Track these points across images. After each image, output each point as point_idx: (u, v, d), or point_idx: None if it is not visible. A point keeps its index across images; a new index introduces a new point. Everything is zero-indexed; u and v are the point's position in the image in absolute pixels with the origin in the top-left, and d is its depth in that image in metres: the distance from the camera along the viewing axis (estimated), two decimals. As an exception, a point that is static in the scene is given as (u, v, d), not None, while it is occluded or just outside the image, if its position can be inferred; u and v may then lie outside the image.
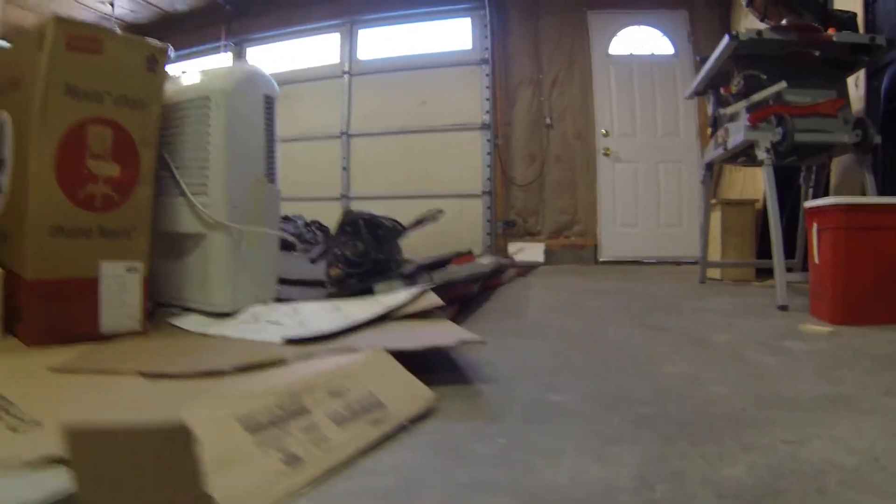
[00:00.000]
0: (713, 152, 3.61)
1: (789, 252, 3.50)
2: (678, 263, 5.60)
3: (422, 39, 6.47)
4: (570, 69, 6.05)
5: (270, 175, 2.21)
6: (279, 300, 2.11)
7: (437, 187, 6.06)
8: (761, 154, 2.90)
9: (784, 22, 3.08)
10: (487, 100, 6.06)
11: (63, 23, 1.63)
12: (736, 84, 3.16)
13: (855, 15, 3.22)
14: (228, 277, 1.99)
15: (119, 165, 1.75)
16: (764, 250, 3.81)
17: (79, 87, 1.66)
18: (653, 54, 6.08)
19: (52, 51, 1.60)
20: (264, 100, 2.19)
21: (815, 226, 2.37)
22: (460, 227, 5.94)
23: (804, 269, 3.44)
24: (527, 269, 4.92)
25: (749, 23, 5.03)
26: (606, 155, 5.92)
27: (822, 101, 2.99)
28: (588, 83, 6.01)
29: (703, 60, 3.53)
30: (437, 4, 6.36)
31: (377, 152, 6.34)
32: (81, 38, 1.66)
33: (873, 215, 2.22)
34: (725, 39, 3.03)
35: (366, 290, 2.16)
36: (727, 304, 2.88)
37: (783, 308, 2.58)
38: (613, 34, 6.13)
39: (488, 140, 6.01)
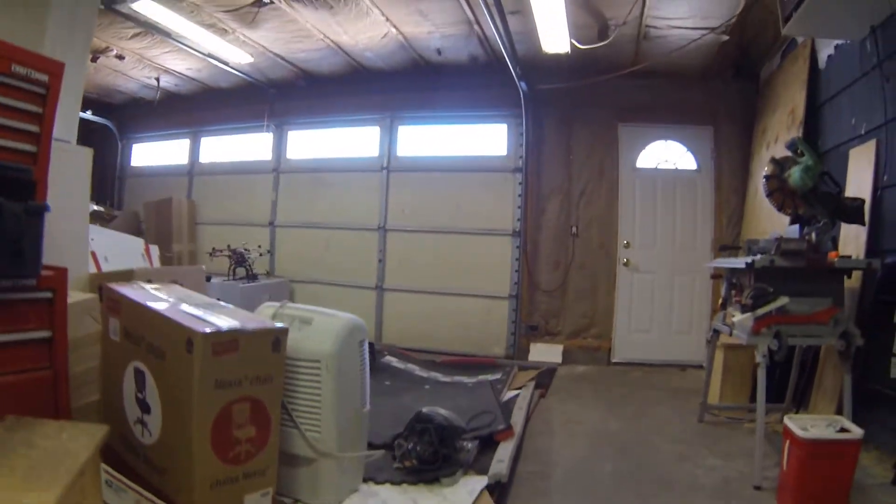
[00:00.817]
0: (720, 325, 3.96)
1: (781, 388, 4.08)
2: (683, 368, 6.09)
3: (459, 141, 6.78)
4: (598, 181, 6.39)
5: (363, 400, 2.79)
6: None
7: (467, 286, 6.52)
8: (759, 357, 3.32)
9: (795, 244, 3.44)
10: (519, 207, 6.43)
11: (209, 336, 2.08)
12: (747, 296, 3.54)
13: (863, 202, 3.60)
14: (333, 483, 2.66)
15: (256, 427, 2.25)
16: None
17: (224, 379, 2.14)
18: (676, 168, 6.41)
19: (202, 359, 2.06)
20: (359, 345, 2.77)
21: (787, 441, 2.86)
22: (486, 326, 6.45)
23: (796, 409, 4.05)
24: (546, 379, 5.41)
25: (768, 143, 5.41)
26: (626, 265, 6.32)
27: (819, 309, 3.37)
28: (614, 195, 6.36)
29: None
30: (476, 109, 6.67)
31: (412, 247, 6.77)
32: (223, 343, 2.13)
33: (834, 447, 2.75)
34: (743, 263, 3.44)
35: (434, 479, 2.88)
36: (711, 472, 3.37)
37: (757, 488, 3.09)
38: (641, 148, 6.44)
39: (517, 246, 6.42)
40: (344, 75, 6.92)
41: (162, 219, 7.47)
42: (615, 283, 6.35)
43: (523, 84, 6.12)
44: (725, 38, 5.34)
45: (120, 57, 6.50)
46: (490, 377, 5.37)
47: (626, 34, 5.40)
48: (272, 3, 5.07)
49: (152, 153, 8.74)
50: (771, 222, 5.08)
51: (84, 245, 3.10)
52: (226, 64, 6.46)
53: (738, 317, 3.65)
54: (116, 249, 3.29)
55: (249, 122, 7.51)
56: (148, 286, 2.71)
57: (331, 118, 7.27)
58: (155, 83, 7.29)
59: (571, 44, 5.29)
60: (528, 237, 6.44)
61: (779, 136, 5.24)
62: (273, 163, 7.56)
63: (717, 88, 6.23)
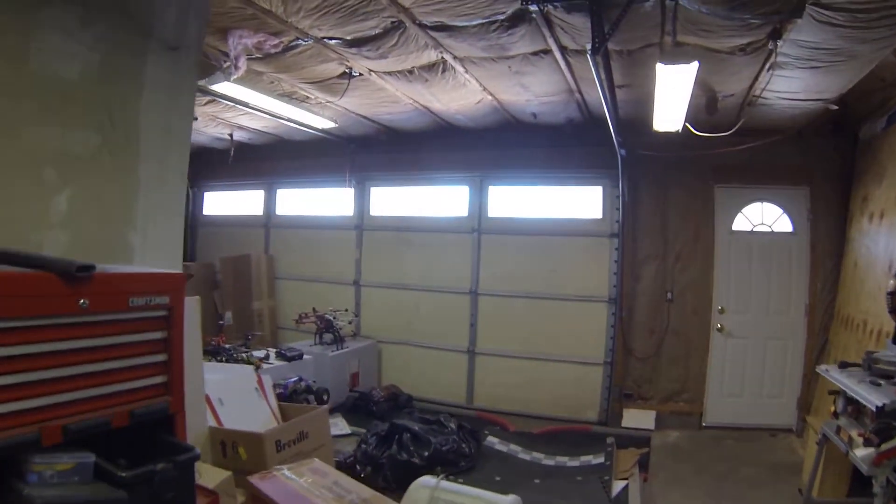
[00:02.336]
0: (832, 434, 3.79)
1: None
2: (774, 433, 6.02)
3: (552, 202, 6.61)
4: (694, 244, 6.26)
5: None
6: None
7: (561, 352, 6.44)
8: (877, 488, 3.23)
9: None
10: (615, 274, 6.31)
11: None
12: (869, 430, 3.42)
13: None
14: None
15: None
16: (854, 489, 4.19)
17: None
18: (772, 231, 6.26)
19: None
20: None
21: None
22: (580, 391, 6.40)
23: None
24: (646, 458, 5.34)
25: (871, 213, 5.27)
26: (720, 331, 6.21)
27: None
28: (709, 259, 6.24)
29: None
30: (569, 170, 6.51)
31: (504, 312, 6.67)
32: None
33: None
34: (871, 402, 3.25)
35: None
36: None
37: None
38: (737, 210, 6.30)
39: (613, 313, 6.30)
40: (430, 132, 6.73)
41: (241, 276, 7.34)
42: (708, 347, 6.26)
43: (623, 151, 5.92)
44: (835, 107, 5.14)
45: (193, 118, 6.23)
46: (593, 459, 5.29)
47: (732, 103, 5.22)
48: (361, 75, 4.85)
49: (225, 202, 8.59)
50: (872, 300, 4.92)
51: (200, 398, 2.96)
52: (307, 127, 6.26)
53: (860, 451, 3.54)
54: (229, 387, 3.16)
55: (328, 175, 7.35)
56: (293, 477, 2.57)
57: (416, 175, 7.11)
58: (228, 138, 7.07)
59: (685, 126, 5.08)
60: (624, 303, 6.32)
61: (885, 212, 5.08)
62: (355, 219, 7.41)
63: (814, 147, 6.03)
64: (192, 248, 8.39)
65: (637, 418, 6.22)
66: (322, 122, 6.04)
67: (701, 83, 4.34)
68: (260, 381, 3.32)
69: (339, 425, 5.66)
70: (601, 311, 6.36)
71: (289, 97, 5.36)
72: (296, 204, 7.96)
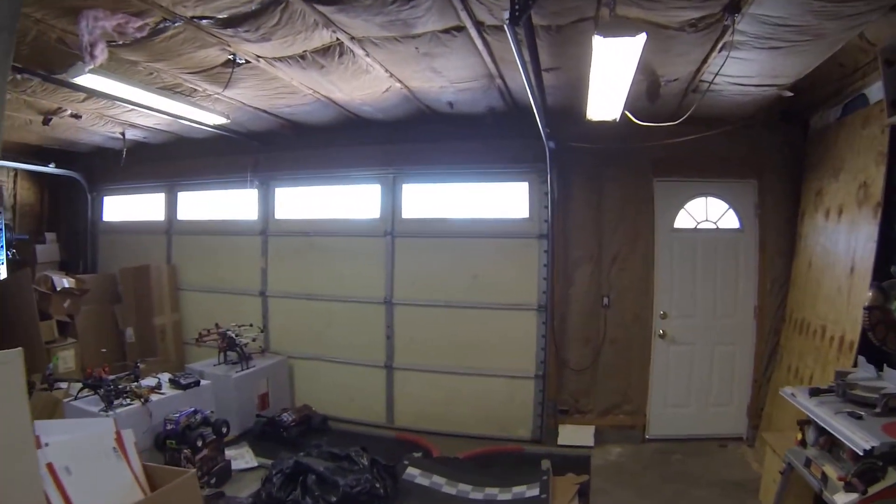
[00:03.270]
0: (800, 466, 3.26)
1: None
2: (724, 444, 5.49)
3: (473, 201, 5.94)
4: (633, 244, 5.66)
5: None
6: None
7: (488, 366, 5.81)
8: None
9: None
10: (545, 279, 5.67)
11: None
12: (851, 473, 2.89)
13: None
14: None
15: None
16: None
17: None
18: (717, 228, 5.68)
19: None
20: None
21: None
22: (510, 407, 5.81)
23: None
24: (586, 486, 4.75)
25: (827, 209, 4.74)
26: (663, 337, 5.63)
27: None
28: (650, 260, 5.65)
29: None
30: (492, 164, 5.84)
31: (424, 323, 6.02)
32: None
33: None
34: (858, 446, 2.70)
35: None
36: None
37: None
38: (679, 206, 5.71)
39: (543, 322, 5.67)
40: (337, 126, 6.03)
41: (141, 288, 6.62)
42: (650, 356, 5.67)
43: (551, 144, 5.28)
44: (790, 94, 4.53)
45: (76, 116, 5.66)
46: (527, 490, 4.67)
47: (675, 88, 4.60)
48: (248, 62, 4.17)
49: (126, 207, 7.85)
50: (830, 305, 4.43)
51: (34, 473, 2.34)
52: (198, 123, 5.53)
53: (841, 498, 2.98)
54: (79, 450, 2.55)
55: (231, 175, 6.65)
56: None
57: (324, 173, 6.39)
58: (120, 136, 6.31)
59: (623, 114, 4.44)
60: (555, 311, 5.70)
61: (843, 208, 4.50)
62: (260, 223, 6.71)
63: (762, 137, 5.45)
64: (94, 258, 7.65)
65: (574, 434, 5.63)
66: (213, 118, 5.32)
67: (643, 66, 3.67)
68: (119, 439, 2.68)
69: (246, 457, 5.04)
70: (530, 319, 5.72)
71: (172, 90, 4.67)
72: (198, 208, 7.26)
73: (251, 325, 6.12)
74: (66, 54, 3.73)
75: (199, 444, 4.38)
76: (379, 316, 6.11)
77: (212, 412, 4.74)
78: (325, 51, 3.93)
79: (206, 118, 5.30)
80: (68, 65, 3.82)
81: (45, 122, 5.52)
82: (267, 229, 6.65)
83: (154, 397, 4.64)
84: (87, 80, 4.00)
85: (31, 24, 3.41)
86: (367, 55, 3.99)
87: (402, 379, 6.07)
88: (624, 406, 5.74)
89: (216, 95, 4.90)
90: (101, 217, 7.85)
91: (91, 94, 4.58)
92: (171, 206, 7.31)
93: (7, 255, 6.63)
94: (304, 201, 6.59)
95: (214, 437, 4.56)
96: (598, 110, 4.41)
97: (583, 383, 5.77)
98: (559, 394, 5.78)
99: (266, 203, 6.67)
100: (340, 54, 3.98)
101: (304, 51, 3.91)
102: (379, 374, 6.09)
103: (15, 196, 7.78)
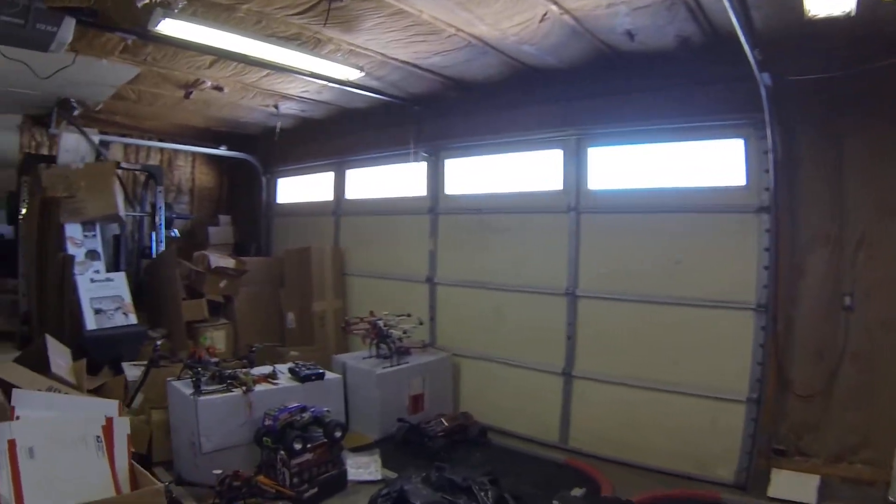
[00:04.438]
0: None
1: None
2: None
3: (672, 166, 5.49)
4: (888, 222, 4.68)
5: None
6: None
7: (687, 381, 5.26)
8: None
9: None
10: (766, 268, 4.97)
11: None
12: None
13: None
14: None
15: None
16: None
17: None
18: None
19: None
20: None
21: None
22: (710, 438, 5.18)
23: None
24: None
25: None
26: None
27: None
28: (915, 243, 4.66)
29: None
30: (692, 117, 5.29)
31: (610, 320, 5.69)
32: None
33: None
34: None
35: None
36: None
37: None
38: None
39: (763, 326, 4.98)
40: (506, 81, 6.00)
41: (302, 272, 7.24)
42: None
43: (765, 76, 4.63)
44: None
45: (218, 88, 6.34)
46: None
47: None
48: None
49: (299, 188, 8.65)
50: None
51: None
52: (336, 82, 5.89)
53: None
54: (52, 433, 2.52)
55: (396, 148, 6.96)
56: None
57: (496, 140, 6.38)
58: (275, 110, 7.01)
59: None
60: (779, 312, 4.98)
61: None
62: (429, 200, 6.93)
63: None
64: (268, 241, 8.57)
65: (791, 485, 4.84)
66: (347, 71, 5.54)
67: None
68: (108, 428, 2.72)
69: (371, 468, 5.13)
70: (745, 322, 5.05)
71: (291, 41, 4.98)
72: (365, 186, 7.69)
73: (408, 316, 6.32)
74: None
75: (298, 446, 4.48)
76: (558, 310, 5.91)
77: (328, 411, 4.86)
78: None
79: (340, 71, 5.52)
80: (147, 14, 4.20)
81: (187, 95, 6.35)
82: (436, 207, 6.84)
83: (262, 387, 4.93)
84: (169, 26, 4.35)
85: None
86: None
87: (581, 390, 5.82)
88: (863, 451, 4.78)
89: (348, 46, 5.15)
90: (275, 199, 8.81)
91: (212, 53, 5.07)
92: (339, 185, 7.87)
93: (172, 233, 7.74)
94: (475, 173, 6.65)
95: (326, 439, 4.66)
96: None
97: (810, 414, 4.95)
98: (776, 426, 5.04)
99: (435, 177, 6.85)
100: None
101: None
102: (555, 381, 5.90)
103: (193, 180, 9.12)
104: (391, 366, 5.99)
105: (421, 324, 6.50)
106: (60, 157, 6.46)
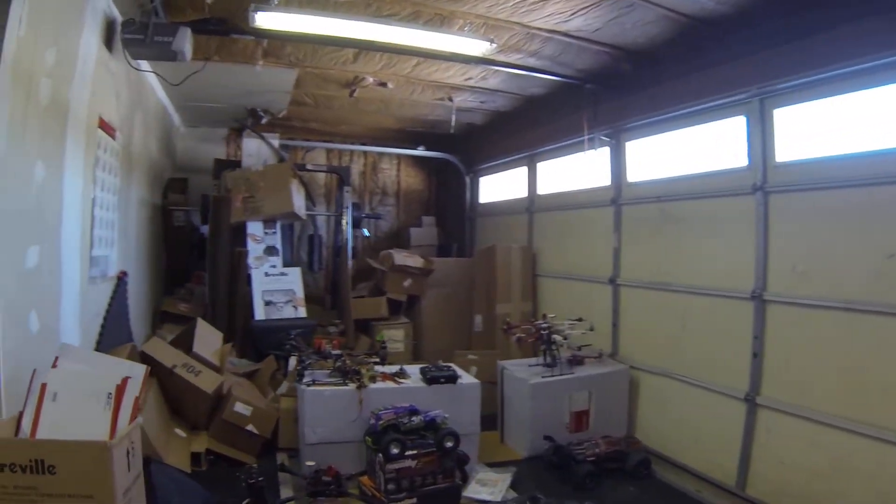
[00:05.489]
0: None
1: None
2: None
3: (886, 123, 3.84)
4: None
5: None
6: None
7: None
8: None
9: None
10: None
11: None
12: None
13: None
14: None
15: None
16: None
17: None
18: None
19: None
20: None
21: None
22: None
23: None
24: None
25: None
26: None
27: None
28: None
29: None
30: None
31: (809, 334, 4.14)
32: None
33: None
34: None
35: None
36: None
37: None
38: None
39: None
40: (670, 41, 4.86)
41: (487, 272, 6.78)
42: None
43: None
44: None
45: (382, 84, 6.15)
46: None
47: None
48: None
49: (499, 185, 8.18)
50: None
51: None
52: (480, 62, 5.31)
53: None
54: (75, 383, 2.66)
55: (575, 135, 6.04)
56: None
57: (671, 112, 5.17)
58: (449, 103, 6.66)
59: None
60: None
61: None
62: (612, 190, 5.90)
63: None
64: (471, 241, 8.24)
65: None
66: (477, 45, 4.89)
67: None
68: (121, 388, 2.80)
69: (495, 487, 4.38)
70: None
71: (417, 21, 4.63)
72: (555, 179, 6.88)
73: (579, 320, 5.42)
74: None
75: (395, 450, 4.01)
76: (742, 318, 4.51)
77: (445, 418, 4.29)
78: None
79: (470, 45, 4.91)
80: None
81: (351, 93, 6.27)
82: (619, 197, 5.81)
83: (382, 385, 4.59)
84: (266, 19, 4.27)
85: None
86: None
87: (767, 423, 4.31)
88: None
89: (477, 18, 4.63)
90: (478, 199, 8.40)
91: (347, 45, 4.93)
92: (532, 179, 7.23)
93: (363, 233, 7.81)
94: (655, 155, 5.53)
95: (436, 449, 4.12)
96: None
97: None
98: None
99: (617, 162, 5.85)
100: None
101: None
102: (735, 408, 4.50)
103: (398, 182, 9.15)
104: (551, 376, 5.18)
105: (591, 329, 5.45)
106: (244, 160, 6.99)
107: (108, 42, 4.23)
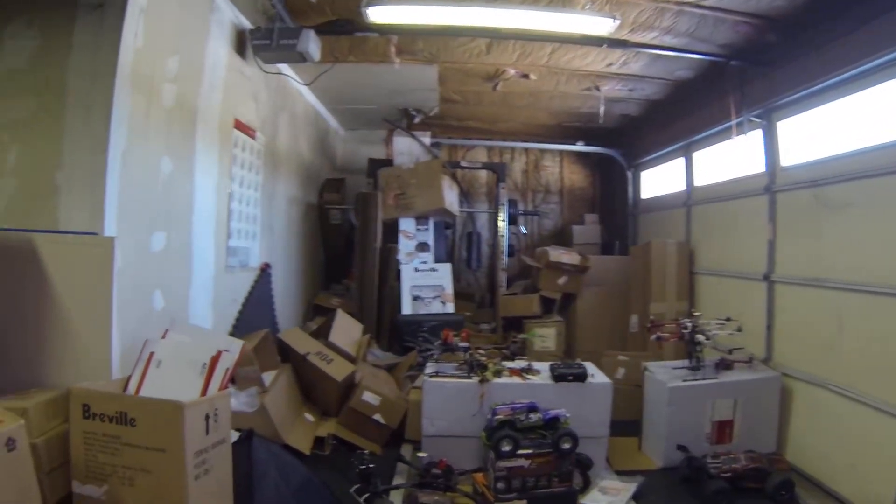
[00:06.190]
0: None
1: None
2: None
3: None
4: None
5: None
6: None
7: None
8: None
9: None
10: None
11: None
12: None
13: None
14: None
15: None
16: None
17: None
18: None
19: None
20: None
21: None
22: None
23: None
24: None
25: None
26: None
27: None
28: None
29: None
30: None
31: None
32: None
33: None
34: None
35: None
36: None
37: None
38: None
39: None
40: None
41: (643, 270, 6.33)
42: None
43: None
44: None
45: (524, 76, 5.99)
46: None
47: None
48: None
49: (660, 179, 7.58)
50: None
51: (104, 354, 2.96)
52: (609, 43, 4.91)
53: None
54: (177, 353, 3.01)
55: (725, 119, 5.45)
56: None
57: (838, 76, 4.27)
58: (597, 92, 6.32)
59: None
60: None
61: None
62: (766, 177, 5.16)
63: None
64: (634, 238, 7.73)
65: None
66: (601, 24, 4.55)
67: None
68: (215, 359, 3.04)
69: (617, 497, 4.02)
70: None
71: (540, 3, 4.45)
72: (709, 169, 6.23)
73: (727, 320, 4.85)
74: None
75: (506, 448, 3.84)
76: None
77: (567, 417, 4.02)
78: None
79: (591, 25, 4.61)
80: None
81: (494, 87, 6.11)
82: (773, 184, 5.07)
83: (507, 380, 4.43)
84: (380, 13, 4.35)
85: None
86: None
87: None
88: None
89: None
90: (640, 194, 7.84)
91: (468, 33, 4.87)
92: (689, 170, 6.61)
93: (520, 230, 7.60)
94: (811, 134, 4.73)
95: (553, 451, 3.89)
96: None
97: None
98: None
99: (771, 145, 5.12)
100: None
101: None
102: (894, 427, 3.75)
103: (562, 180, 8.78)
104: (693, 380, 4.67)
105: (739, 330, 4.82)
106: (395, 159, 7.16)
107: (241, 49, 4.61)
